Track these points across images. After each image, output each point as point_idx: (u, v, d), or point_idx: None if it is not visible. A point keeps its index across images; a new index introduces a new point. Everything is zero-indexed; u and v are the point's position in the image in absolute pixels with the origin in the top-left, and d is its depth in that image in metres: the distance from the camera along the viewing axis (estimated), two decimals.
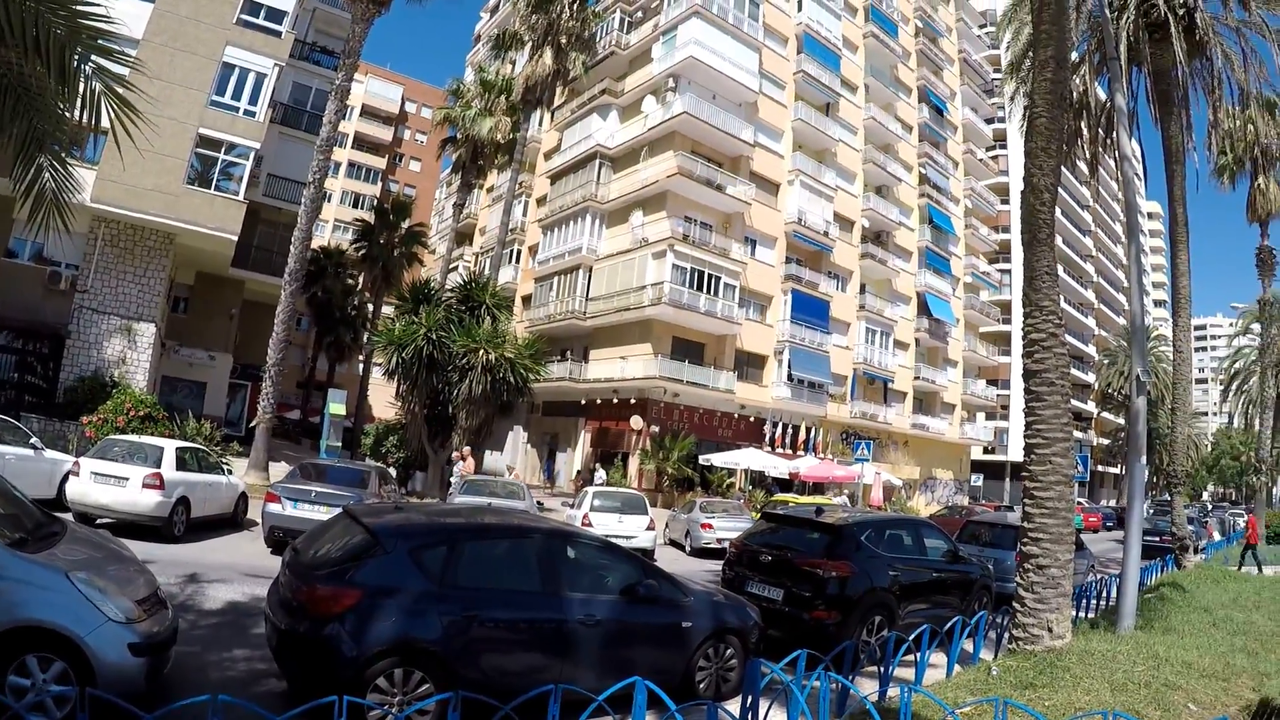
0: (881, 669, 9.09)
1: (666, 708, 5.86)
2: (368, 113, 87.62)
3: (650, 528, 21.88)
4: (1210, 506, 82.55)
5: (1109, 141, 25.11)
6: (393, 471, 29.48)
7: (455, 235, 52.27)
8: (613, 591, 8.68)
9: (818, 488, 44.20)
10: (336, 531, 8.34)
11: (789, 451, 46.63)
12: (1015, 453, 67.86)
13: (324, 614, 7.03)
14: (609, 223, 47.44)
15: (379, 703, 6.90)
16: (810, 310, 48.99)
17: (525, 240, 56.48)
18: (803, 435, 48.63)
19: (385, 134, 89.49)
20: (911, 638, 9.53)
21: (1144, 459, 14.44)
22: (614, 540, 20.21)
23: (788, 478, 42.65)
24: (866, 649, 10.60)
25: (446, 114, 44.26)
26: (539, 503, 25.99)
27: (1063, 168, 16.86)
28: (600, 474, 37.11)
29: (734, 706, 7.80)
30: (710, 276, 42.99)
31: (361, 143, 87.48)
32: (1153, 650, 11.09)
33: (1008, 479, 75.68)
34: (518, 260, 56.67)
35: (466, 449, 28.15)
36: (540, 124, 54.81)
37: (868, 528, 12.72)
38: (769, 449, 45.24)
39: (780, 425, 47.54)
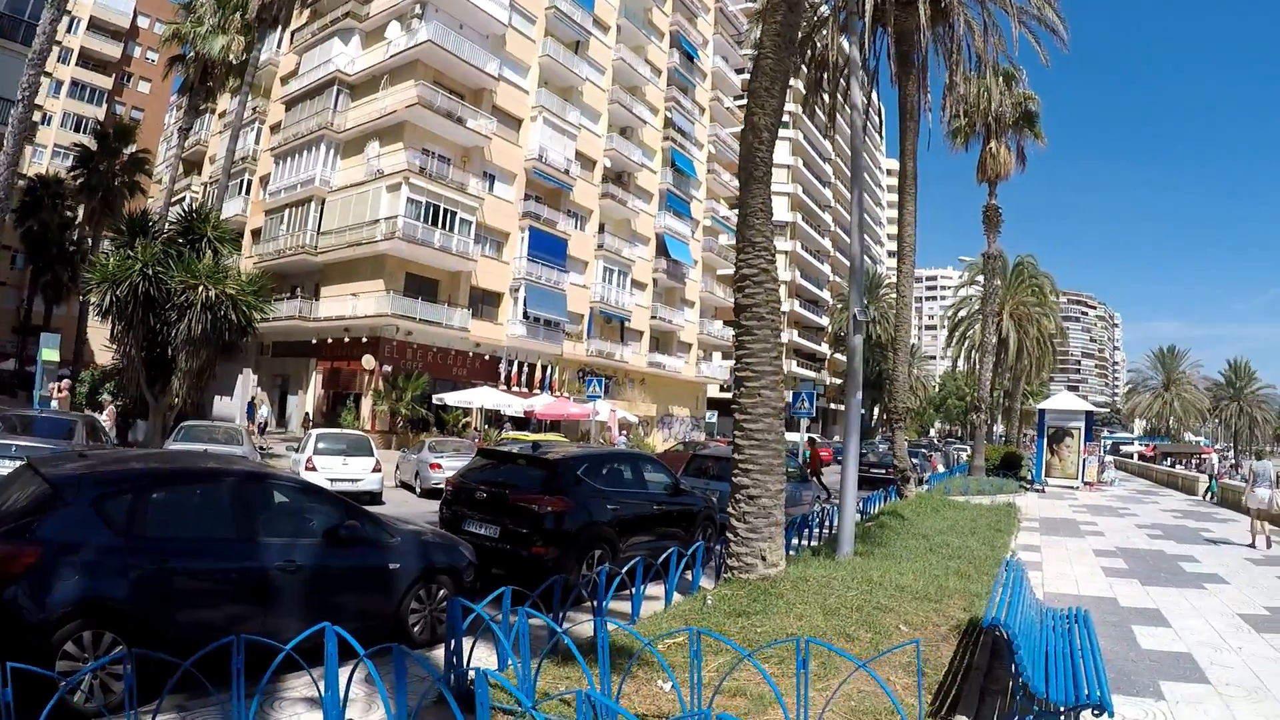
0: (596, 603, 8.79)
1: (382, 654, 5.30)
2: (96, 26, 78.07)
3: (377, 470, 21.54)
4: (938, 441, 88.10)
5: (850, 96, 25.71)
6: (108, 420, 27.37)
7: (183, 163, 48.93)
8: (314, 535, 8.16)
9: (554, 426, 44.12)
10: (18, 485, 7.41)
11: (525, 390, 46.45)
12: None
13: (2, 576, 6.21)
14: (345, 153, 45.25)
15: (68, 670, 6.08)
16: (548, 248, 48.81)
17: (257, 170, 53.09)
18: (539, 374, 48.67)
19: (114, 50, 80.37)
20: (624, 570, 9.32)
21: (860, 394, 14.93)
22: (339, 483, 19.61)
23: (524, 416, 42.33)
24: (588, 584, 10.33)
25: (177, 30, 40.84)
26: (262, 447, 24.84)
27: (808, 120, 17.02)
28: (265, 410, 35.76)
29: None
30: (446, 211, 42.04)
31: (87, 59, 78.22)
32: (868, 575, 11.37)
33: None
34: (248, 191, 53.26)
35: (65, 381, 26.07)
36: (279, 46, 51.28)
37: (584, 462, 12.51)
38: (504, 388, 44.95)
39: (516, 364, 47.35)
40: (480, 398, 40.58)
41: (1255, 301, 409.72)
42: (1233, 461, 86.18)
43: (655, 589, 10.45)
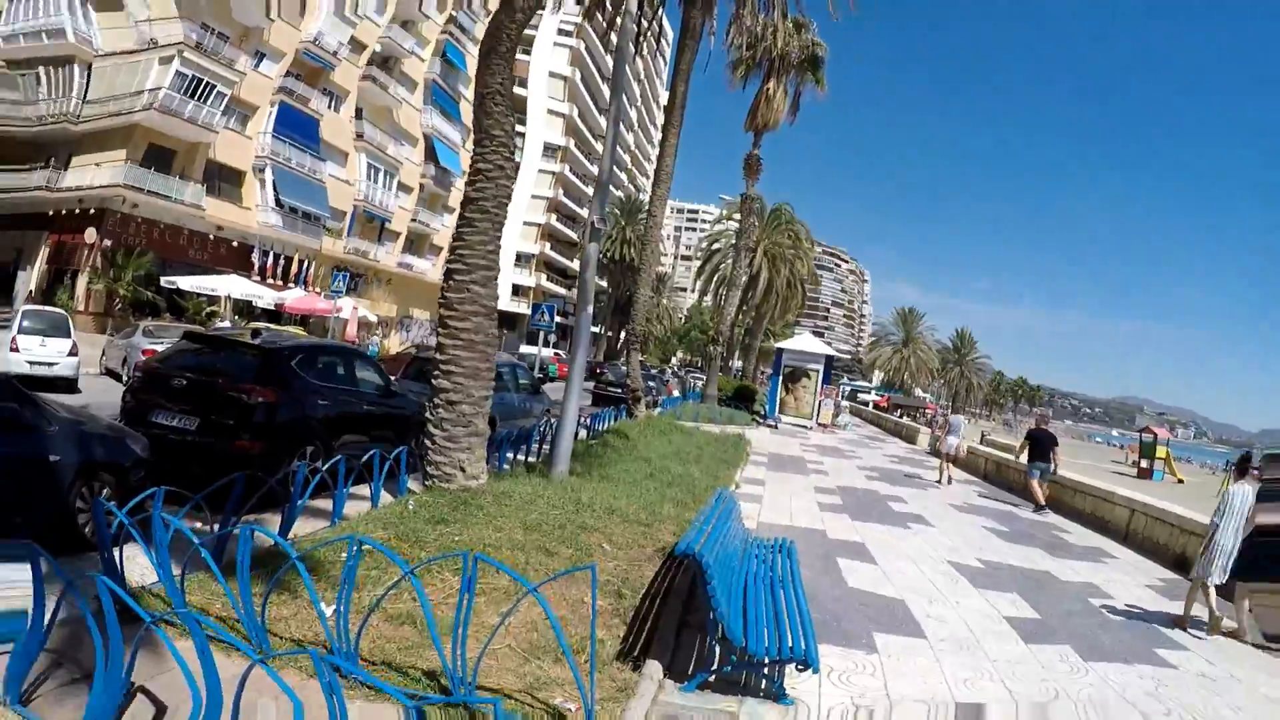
0: (287, 506, 8.38)
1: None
2: None
3: (73, 353, 20.13)
4: (678, 369, 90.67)
5: (643, 23, 25.38)
6: None
7: None
8: None
9: (304, 320, 42.49)
10: None
11: (280, 283, 44.62)
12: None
13: None
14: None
15: None
16: (297, 126, 46.53)
17: None
18: (295, 267, 46.80)
19: None
20: (325, 469, 9.07)
21: (591, 308, 14.64)
22: (38, 366, 18.26)
23: (274, 309, 40.48)
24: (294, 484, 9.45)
25: None
26: None
27: (595, 37, 16.56)
28: None
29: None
30: (206, 84, 39.08)
31: None
32: (577, 495, 11.17)
33: None
34: None
35: None
36: None
37: (299, 353, 11.60)
38: (259, 279, 42.96)
39: (271, 254, 45.32)
40: (227, 285, 38.53)
41: (982, 284, 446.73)
42: None
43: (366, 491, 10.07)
